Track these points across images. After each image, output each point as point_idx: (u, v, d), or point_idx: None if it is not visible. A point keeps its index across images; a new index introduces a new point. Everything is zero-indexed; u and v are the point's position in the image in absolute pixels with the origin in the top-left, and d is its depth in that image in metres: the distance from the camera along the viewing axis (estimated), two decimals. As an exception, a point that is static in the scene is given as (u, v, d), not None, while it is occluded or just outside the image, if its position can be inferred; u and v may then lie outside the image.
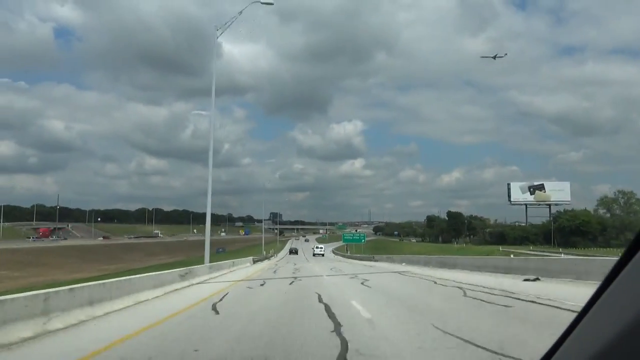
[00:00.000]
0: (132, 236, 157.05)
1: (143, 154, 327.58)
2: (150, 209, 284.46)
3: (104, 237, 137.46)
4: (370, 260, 50.44)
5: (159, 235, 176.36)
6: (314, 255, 75.33)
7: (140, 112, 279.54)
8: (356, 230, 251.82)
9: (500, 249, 65.61)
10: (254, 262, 41.31)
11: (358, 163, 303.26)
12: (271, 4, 26.85)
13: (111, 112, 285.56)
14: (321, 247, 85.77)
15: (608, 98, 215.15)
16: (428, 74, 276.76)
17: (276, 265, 35.63)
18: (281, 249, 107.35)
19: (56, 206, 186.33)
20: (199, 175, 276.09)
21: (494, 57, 64.27)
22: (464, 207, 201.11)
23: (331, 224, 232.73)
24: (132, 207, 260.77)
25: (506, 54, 70.78)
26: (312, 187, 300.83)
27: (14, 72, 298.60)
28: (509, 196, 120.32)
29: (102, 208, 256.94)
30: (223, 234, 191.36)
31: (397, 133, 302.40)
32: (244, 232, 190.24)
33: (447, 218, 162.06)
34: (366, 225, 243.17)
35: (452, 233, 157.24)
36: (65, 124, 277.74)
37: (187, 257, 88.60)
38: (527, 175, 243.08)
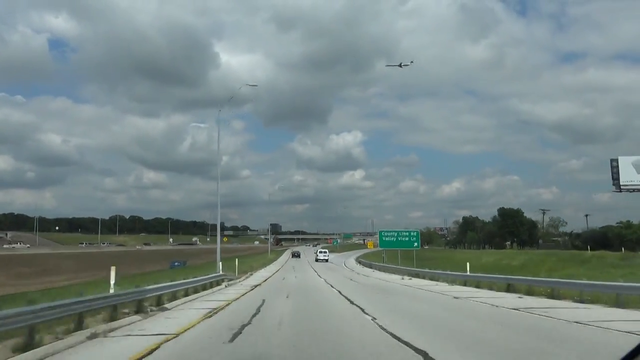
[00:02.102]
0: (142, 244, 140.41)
1: (141, 167, 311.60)
2: (127, 217, 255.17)
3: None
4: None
5: (197, 242, 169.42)
6: (316, 260, 68.92)
7: (137, 125, 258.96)
8: (364, 241, 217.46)
9: None
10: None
11: (358, 174, 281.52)
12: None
13: (108, 125, 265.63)
14: (325, 252, 76.39)
15: (609, 105, 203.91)
16: (428, 82, 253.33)
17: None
18: (273, 260, 67.73)
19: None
20: (198, 188, 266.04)
21: (400, 65, 58.81)
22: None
23: (338, 234, 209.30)
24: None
25: (412, 62, 61.67)
26: (312, 199, 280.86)
27: (10, 86, 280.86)
28: (615, 178, 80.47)
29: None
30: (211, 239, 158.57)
31: (397, 143, 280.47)
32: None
33: (497, 218, 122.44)
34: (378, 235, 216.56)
35: (506, 237, 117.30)
36: (62, 137, 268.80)
37: (96, 278, 49.23)
38: (528, 184, 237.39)
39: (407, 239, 52.10)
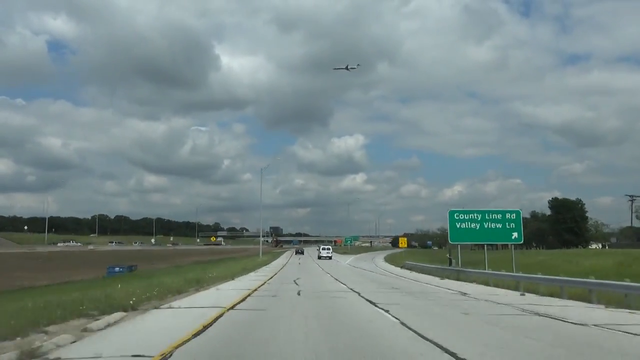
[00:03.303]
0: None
1: (142, 170, 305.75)
2: (112, 217, 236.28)
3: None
4: None
5: (222, 243, 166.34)
6: (319, 257, 67.79)
7: (138, 128, 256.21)
8: (371, 243, 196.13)
9: None
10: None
11: (359, 178, 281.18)
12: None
13: (109, 128, 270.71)
14: (328, 248, 74.24)
15: (613, 108, 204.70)
16: (431, 85, 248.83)
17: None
18: (263, 264, 44.54)
19: None
20: (198, 191, 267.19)
21: (347, 68, 56.26)
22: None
23: (342, 237, 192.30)
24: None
25: (359, 65, 56.94)
26: (314, 203, 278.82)
27: (11, 89, 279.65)
28: None
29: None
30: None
31: (398, 147, 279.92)
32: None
33: (550, 212, 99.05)
34: (388, 237, 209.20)
35: (562, 234, 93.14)
36: (62, 141, 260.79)
37: None
38: (530, 187, 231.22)
39: (499, 225, 28.81)
